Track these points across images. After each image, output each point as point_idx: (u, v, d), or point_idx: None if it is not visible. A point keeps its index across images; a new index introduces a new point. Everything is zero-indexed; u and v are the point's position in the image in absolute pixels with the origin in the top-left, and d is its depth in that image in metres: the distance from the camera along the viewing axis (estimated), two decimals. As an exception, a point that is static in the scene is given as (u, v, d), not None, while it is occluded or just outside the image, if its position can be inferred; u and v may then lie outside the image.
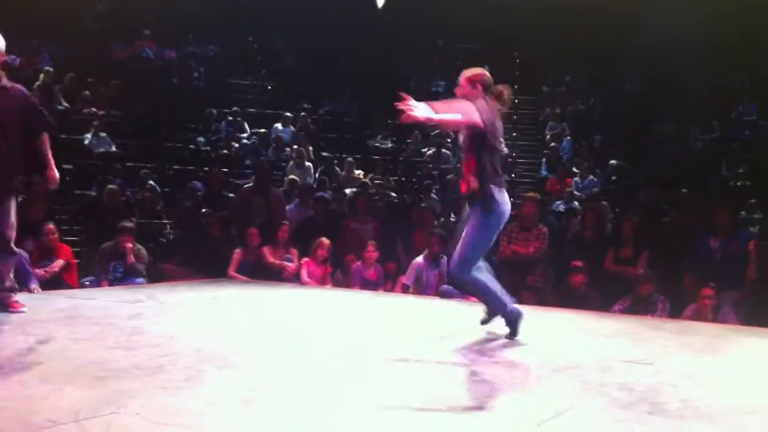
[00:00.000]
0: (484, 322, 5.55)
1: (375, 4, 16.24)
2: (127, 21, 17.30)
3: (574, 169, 14.16)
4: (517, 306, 5.35)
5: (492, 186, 5.10)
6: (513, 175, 15.61)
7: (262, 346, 4.92)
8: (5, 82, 5.67)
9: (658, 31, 15.29)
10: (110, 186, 10.74)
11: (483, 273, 5.28)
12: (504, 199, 5.18)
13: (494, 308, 5.36)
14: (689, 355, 5.24)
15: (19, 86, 5.84)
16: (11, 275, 5.92)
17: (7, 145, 5.62)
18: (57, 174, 5.88)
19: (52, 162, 5.87)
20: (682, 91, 15.89)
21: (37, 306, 6.20)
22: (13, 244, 5.85)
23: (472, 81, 5.30)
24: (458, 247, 5.21)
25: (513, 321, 5.28)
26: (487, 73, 5.34)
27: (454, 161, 15.20)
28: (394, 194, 13.07)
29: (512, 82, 18.63)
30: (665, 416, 3.53)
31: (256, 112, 16.94)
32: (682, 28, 14.90)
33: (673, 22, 15.09)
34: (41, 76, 14.65)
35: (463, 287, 5.51)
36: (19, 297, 6.69)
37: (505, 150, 5.40)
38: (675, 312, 7.59)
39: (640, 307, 7.61)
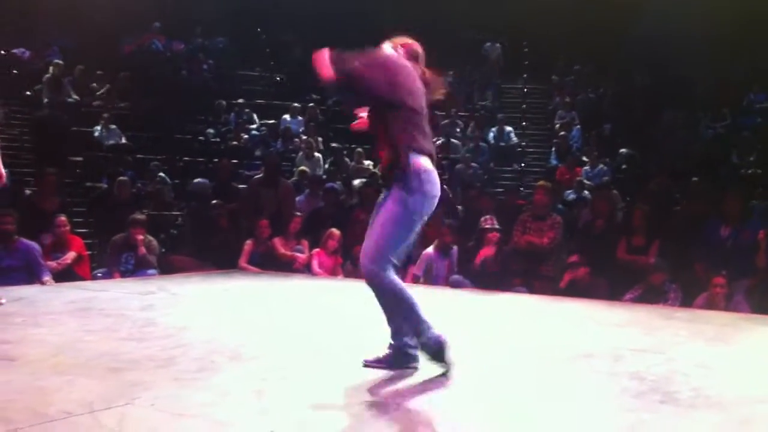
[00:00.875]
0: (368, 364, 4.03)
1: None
2: (136, 14, 17.31)
3: (584, 158, 14.12)
4: (439, 333, 3.90)
5: (413, 157, 3.82)
6: (523, 165, 15.59)
7: (273, 337, 4.94)
8: None
9: (665, 19, 15.22)
10: (120, 178, 10.77)
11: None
12: (431, 177, 3.87)
13: (403, 327, 3.97)
14: (701, 343, 5.23)
15: None
16: None
17: None
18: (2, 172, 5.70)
19: None
20: (691, 79, 15.81)
21: (50, 298, 6.25)
22: None
23: (395, 45, 4.17)
24: (369, 238, 3.89)
25: (435, 350, 3.87)
26: (419, 48, 4.23)
27: (463, 152, 15.18)
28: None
29: (521, 71, 18.75)
30: (677, 405, 3.52)
31: (265, 103, 16.95)
32: (689, 16, 14.83)
33: (679, 10, 15.03)
34: (51, 68, 14.68)
35: (375, 287, 3.86)
36: (32, 289, 6.77)
37: (423, 109, 4.01)
38: (687, 301, 7.57)
39: (651, 295, 7.59)
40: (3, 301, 5.77)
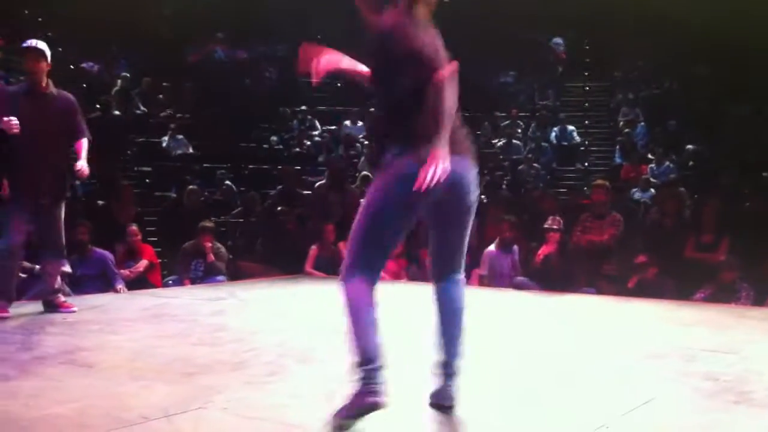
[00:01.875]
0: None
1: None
2: (199, 24, 17.65)
3: (649, 156, 13.88)
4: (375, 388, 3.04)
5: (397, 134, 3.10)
6: (586, 164, 15.39)
7: (341, 340, 4.97)
8: (52, 89, 5.86)
9: (726, 6, 14.86)
10: (190, 187, 10.98)
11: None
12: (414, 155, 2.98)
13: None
14: (775, 342, 5.12)
15: (65, 93, 6.02)
16: (59, 278, 6.09)
17: (56, 152, 5.82)
18: (86, 167, 5.86)
19: (85, 157, 5.88)
20: (758, 71, 15.39)
21: (124, 305, 6.42)
22: (63, 249, 6.05)
23: None
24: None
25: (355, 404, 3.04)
26: None
27: (525, 152, 15.07)
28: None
29: (583, 68, 18.50)
30: (751, 405, 3.46)
31: (326, 109, 17.09)
32: (753, 7, 14.47)
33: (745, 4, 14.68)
34: (119, 81, 15.06)
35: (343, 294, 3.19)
36: (107, 297, 6.97)
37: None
38: (759, 299, 7.40)
39: (722, 294, 7.44)
40: (75, 308, 5.95)
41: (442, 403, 3.28)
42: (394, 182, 3.03)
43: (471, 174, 3.20)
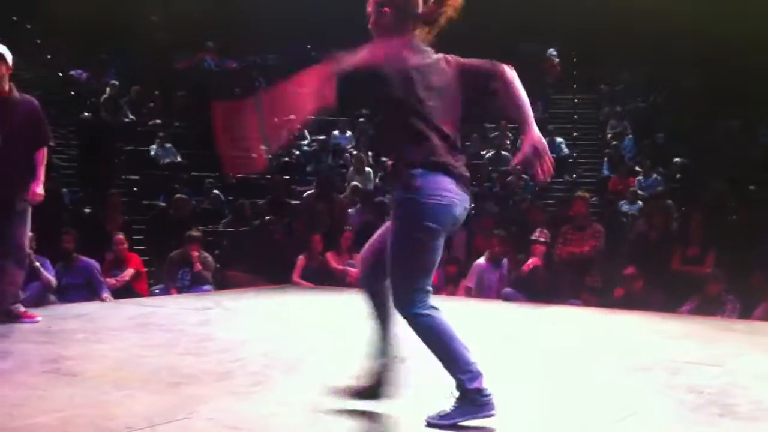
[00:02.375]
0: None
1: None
2: (189, 33, 17.65)
3: (637, 168, 13.94)
4: (484, 387, 3.18)
5: (414, 164, 3.12)
6: (574, 176, 15.45)
7: (328, 351, 4.99)
8: (15, 94, 5.69)
9: (715, 21, 14.96)
10: (178, 195, 10.95)
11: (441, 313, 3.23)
12: (444, 185, 3.12)
13: (448, 367, 3.22)
14: (760, 355, 5.14)
15: (29, 97, 5.85)
16: (19, 287, 5.87)
17: (18, 156, 5.63)
18: (40, 191, 5.68)
19: (41, 177, 5.72)
20: (745, 86, 15.51)
21: (110, 314, 6.39)
22: (27, 256, 5.88)
23: (377, 2, 3.29)
24: (389, 268, 3.23)
25: (471, 402, 3.17)
26: None
27: (513, 164, 15.10)
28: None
29: (570, 81, 18.59)
30: (736, 418, 3.47)
31: (315, 118, 17.08)
32: (741, 16, 14.57)
33: (730, 11, 14.78)
34: (107, 89, 15.03)
35: (414, 327, 3.20)
36: (92, 306, 6.93)
37: (429, 106, 3.14)
38: (745, 312, 7.43)
39: (708, 307, 7.47)
40: (39, 318, 5.78)
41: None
42: (436, 212, 3.11)
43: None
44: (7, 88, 5.65)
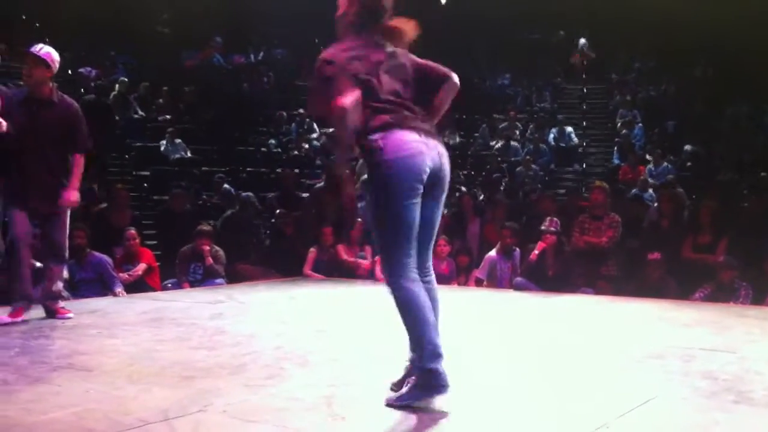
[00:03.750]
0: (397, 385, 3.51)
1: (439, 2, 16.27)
2: (197, 29, 17.67)
3: (647, 157, 13.90)
4: (442, 369, 3.24)
5: (373, 131, 3.26)
6: (584, 165, 15.42)
7: (340, 343, 4.99)
8: (56, 95, 5.75)
9: (724, 8, 14.88)
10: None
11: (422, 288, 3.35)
12: (405, 138, 3.24)
13: (412, 342, 3.34)
14: (774, 342, 5.12)
15: (69, 100, 5.90)
16: (59, 283, 6.01)
17: (58, 158, 5.72)
18: (74, 197, 5.77)
19: (76, 183, 5.79)
20: (755, 73, 15.43)
21: (123, 309, 6.41)
22: (65, 255, 5.97)
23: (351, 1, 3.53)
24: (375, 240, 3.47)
25: (424, 384, 3.27)
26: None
27: (523, 154, 15.09)
28: (464, 189, 13.05)
29: (580, 70, 18.55)
30: (751, 404, 3.46)
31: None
32: (750, 10, 14.49)
33: (741, 4, 14.70)
34: (117, 86, 15.07)
35: (393, 297, 3.31)
36: (105, 301, 6.96)
37: (383, 84, 3.35)
38: (758, 298, 7.40)
39: (721, 294, 7.44)
40: (71, 315, 5.86)
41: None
42: (399, 168, 3.21)
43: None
44: (44, 90, 5.69)
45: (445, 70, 3.58)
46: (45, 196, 5.67)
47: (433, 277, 3.55)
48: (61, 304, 5.97)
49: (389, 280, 3.30)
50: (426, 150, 3.26)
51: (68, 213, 5.85)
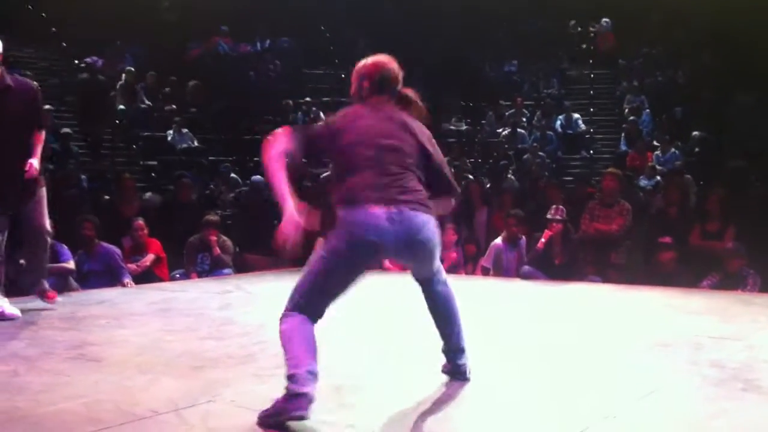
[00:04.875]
0: None
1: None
2: (203, 18, 17.64)
3: (655, 143, 13.84)
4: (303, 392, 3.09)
5: (339, 204, 3.57)
6: (591, 152, 15.37)
7: (348, 333, 5.00)
8: (8, 80, 5.48)
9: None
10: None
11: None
12: (359, 219, 3.41)
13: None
14: (782, 329, 5.12)
15: (23, 79, 5.74)
16: (43, 267, 5.85)
17: (25, 142, 5.50)
18: (36, 165, 5.47)
19: (38, 155, 5.54)
20: (763, 59, 15.32)
21: (132, 300, 6.44)
22: (46, 239, 5.75)
23: (360, 75, 3.67)
24: None
25: (280, 411, 3.08)
26: (389, 66, 3.64)
27: (530, 141, 15.05)
28: (471, 176, 13.03)
29: (588, 56, 18.45)
30: (759, 392, 3.47)
31: (331, 100, 17.08)
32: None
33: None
34: (123, 76, 15.08)
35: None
36: (114, 292, 6.98)
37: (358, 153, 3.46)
38: (766, 286, 7.39)
39: (729, 282, 7.43)
40: (58, 299, 5.86)
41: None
42: (351, 244, 3.45)
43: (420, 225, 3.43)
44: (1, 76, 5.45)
45: (453, 186, 3.68)
46: (20, 185, 5.44)
47: (441, 279, 3.77)
48: (46, 287, 5.85)
49: (286, 312, 3.54)
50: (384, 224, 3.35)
51: (44, 196, 5.63)
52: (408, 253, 3.53)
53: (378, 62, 3.63)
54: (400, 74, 3.65)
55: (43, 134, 5.68)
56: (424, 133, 3.56)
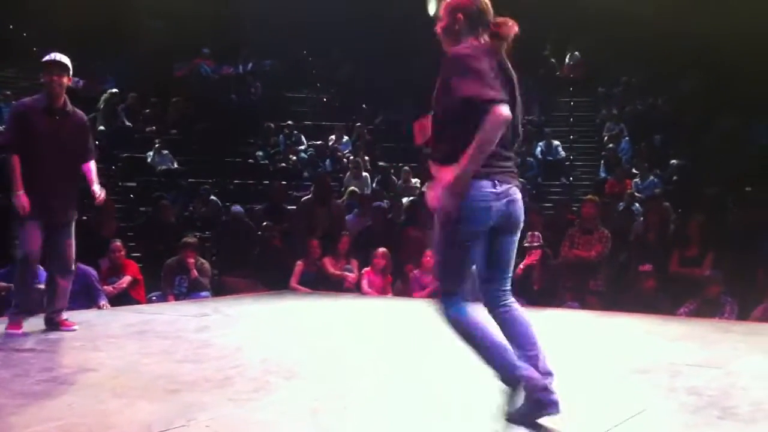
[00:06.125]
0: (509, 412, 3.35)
1: (427, 10, 16.27)
2: (186, 40, 17.66)
3: (634, 170, 13.96)
4: (534, 375, 3.29)
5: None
6: (571, 178, 15.45)
7: (326, 356, 4.97)
8: (69, 106, 5.85)
9: (712, 22, 14.98)
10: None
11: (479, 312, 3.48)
12: (486, 190, 3.24)
13: (493, 368, 3.38)
14: (759, 356, 5.15)
15: (79, 111, 6.03)
16: (66, 297, 6.00)
17: (69, 171, 5.82)
18: (101, 192, 5.97)
19: (95, 180, 5.98)
20: (741, 87, 15.52)
21: (108, 322, 6.38)
22: (72, 266, 6.01)
23: (453, 10, 3.46)
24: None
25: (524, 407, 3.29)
26: None
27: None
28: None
29: (567, 83, 18.60)
30: (736, 420, 3.47)
31: (312, 124, 17.11)
32: (739, 17, 14.60)
33: (728, 12, 14.80)
34: (104, 96, 15.02)
35: (451, 329, 3.43)
36: (90, 314, 6.91)
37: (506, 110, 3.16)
38: (743, 314, 7.43)
39: (707, 309, 7.46)
40: (76, 327, 5.89)
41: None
42: (475, 213, 3.26)
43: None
44: (63, 100, 5.79)
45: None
46: (64, 204, 5.75)
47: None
48: (65, 316, 5.94)
49: (445, 308, 3.46)
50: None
51: (73, 226, 5.89)
52: None
53: None
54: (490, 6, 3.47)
55: (93, 164, 6.02)
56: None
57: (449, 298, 3.39)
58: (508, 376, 3.28)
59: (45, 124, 5.67)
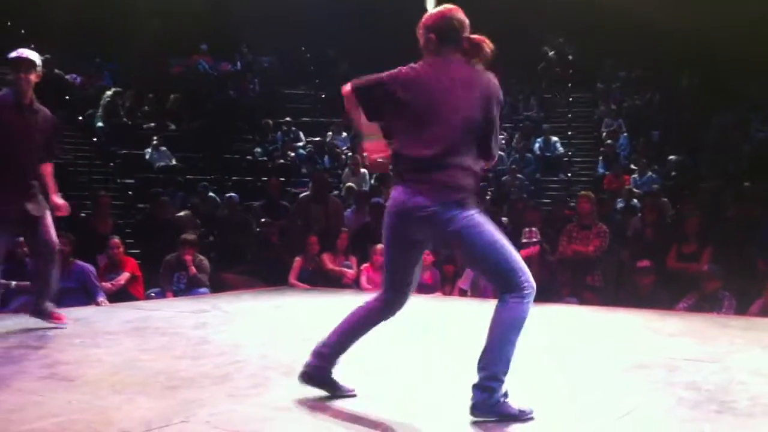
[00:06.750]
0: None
1: (425, 7, 16.26)
2: (184, 36, 17.65)
3: (632, 166, 13.97)
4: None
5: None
6: (569, 174, 15.47)
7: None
8: (36, 104, 5.68)
9: (710, 18, 14.99)
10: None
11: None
12: (398, 196, 3.79)
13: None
14: (757, 351, 5.15)
15: (47, 110, 5.86)
16: (53, 285, 5.89)
17: (37, 165, 5.68)
18: (64, 204, 5.84)
19: (55, 188, 5.83)
20: (739, 82, 15.53)
21: (106, 318, 6.37)
22: (56, 254, 5.83)
23: (426, 29, 3.60)
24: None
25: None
26: (455, 15, 3.57)
27: (509, 163, 15.12)
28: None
29: (566, 80, 18.61)
30: (734, 414, 3.47)
31: (311, 120, 17.11)
32: (736, 13, 14.61)
33: (725, 8, 14.82)
34: (107, 94, 15.01)
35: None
36: (88, 310, 6.91)
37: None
38: (741, 308, 7.44)
39: (705, 304, 7.47)
40: (66, 322, 5.84)
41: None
42: (390, 222, 3.98)
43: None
44: (30, 97, 5.64)
45: (494, 152, 3.66)
46: (31, 200, 5.59)
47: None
48: (56, 309, 5.88)
49: None
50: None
51: (48, 214, 5.74)
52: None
53: (443, 12, 3.58)
54: (466, 22, 3.56)
55: (51, 168, 5.83)
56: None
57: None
58: None
59: (15, 119, 5.55)
